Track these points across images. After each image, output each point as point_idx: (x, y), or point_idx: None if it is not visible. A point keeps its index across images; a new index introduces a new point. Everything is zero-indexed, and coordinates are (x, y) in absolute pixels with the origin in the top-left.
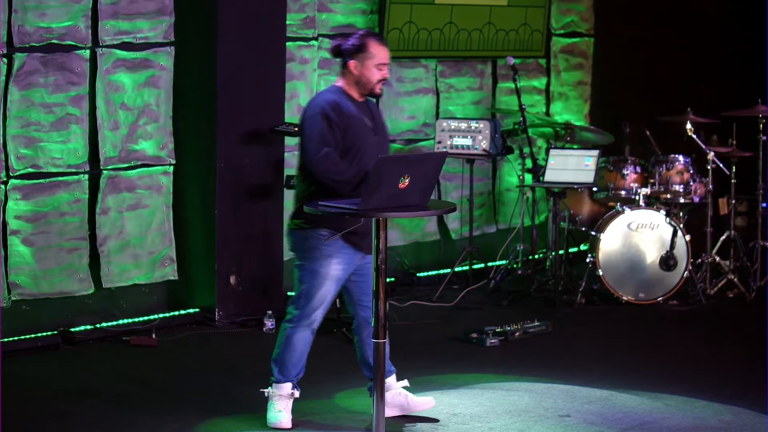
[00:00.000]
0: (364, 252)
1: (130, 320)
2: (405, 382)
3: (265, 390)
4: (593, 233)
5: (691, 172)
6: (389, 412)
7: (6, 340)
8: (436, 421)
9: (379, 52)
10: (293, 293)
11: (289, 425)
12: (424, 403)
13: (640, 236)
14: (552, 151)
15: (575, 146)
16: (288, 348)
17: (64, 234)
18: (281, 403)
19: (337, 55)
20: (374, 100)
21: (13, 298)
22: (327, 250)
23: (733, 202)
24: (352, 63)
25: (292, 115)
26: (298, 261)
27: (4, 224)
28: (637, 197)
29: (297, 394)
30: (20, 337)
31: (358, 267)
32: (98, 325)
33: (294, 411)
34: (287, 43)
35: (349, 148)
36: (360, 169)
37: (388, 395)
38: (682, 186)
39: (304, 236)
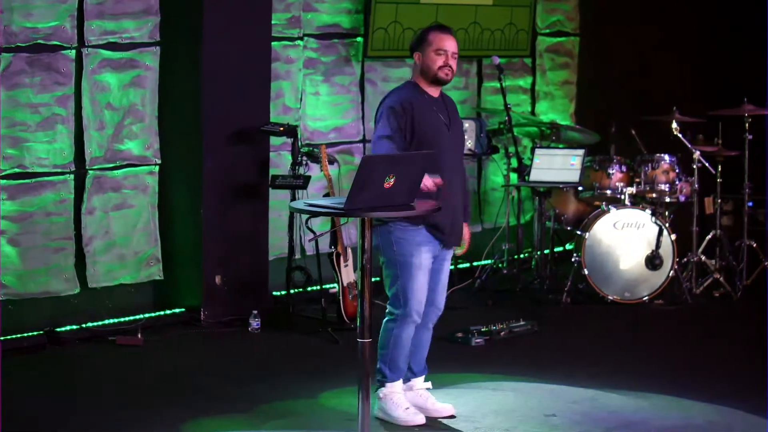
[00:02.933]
0: (445, 246)
1: (116, 320)
2: (428, 384)
3: (380, 391)
4: (579, 233)
5: (677, 171)
6: None
7: None
8: (454, 417)
9: (436, 39)
10: (389, 292)
11: (422, 420)
12: (443, 409)
13: (625, 235)
14: (537, 151)
15: (561, 145)
16: (397, 346)
17: (49, 234)
18: (404, 401)
19: (412, 53)
20: (453, 99)
21: None
22: (416, 239)
23: (719, 201)
24: (416, 55)
25: (277, 114)
26: (385, 257)
27: None
28: (622, 196)
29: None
30: (6, 337)
31: (440, 257)
32: (84, 325)
33: (278, 410)
34: (273, 43)
35: (421, 141)
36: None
37: (409, 394)
38: (667, 185)
39: (388, 230)
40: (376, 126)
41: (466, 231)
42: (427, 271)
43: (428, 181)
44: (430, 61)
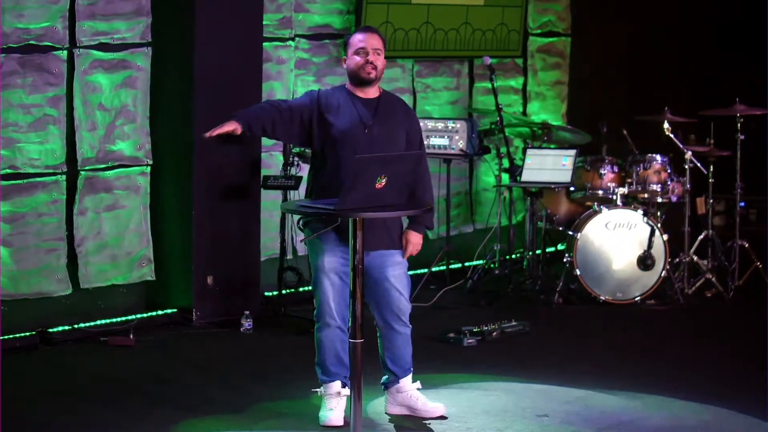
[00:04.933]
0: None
1: (107, 321)
2: (417, 384)
3: (317, 390)
4: (570, 233)
5: (669, 171)
6: (398, 410)
7: None
8: (445, 418)
9: (355, 40)
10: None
11: (339, 422)
12: (434, 409)
13: (617, 236)
14: (529, 151)
15: (552, 146)
16: (320, 349)
17: (41, 235)
18: (331, 402)
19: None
20: (405, 101)
21: None
22: (322, 244)
23: (711, 201)
24: (342, 61)
25: None
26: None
27: None
28: (614, 197)
29: (347, 392)
30: None
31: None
32: (76, 326)
33: (270, 411)
34: (264, 44)
35: (326, 135)
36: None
37: (399, 396)
38: (659, 185)
39: (309, 229)
40: None
41: (410, 237)
42: (338, 275)
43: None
44: (352, 63)
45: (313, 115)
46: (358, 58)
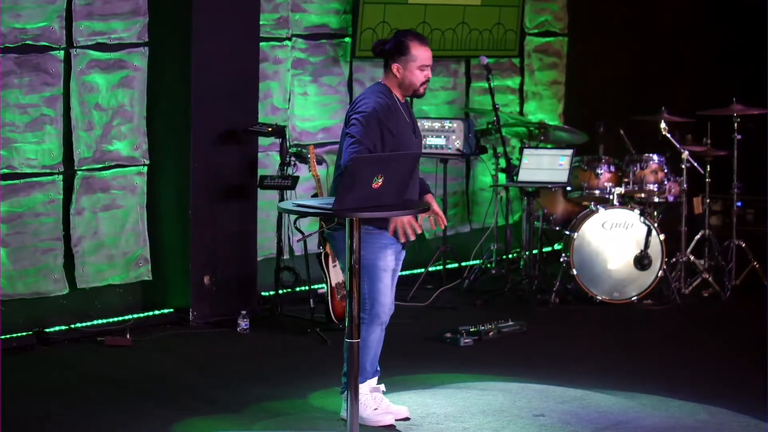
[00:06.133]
0: (403, 248)
1: (104, 320)
2: (382, 387)
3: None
4: (567, 233)
5: (666, 171)
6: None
7: None
8: (408, 419)
9: (420, 54)
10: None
11: (392, 420)
12: (398, 411)
13: (614, 235)
14: (526, 151)
15: (549, 146)
16: (365, 349)
17: (38, 234)
18: (372, 402)
19: (380, 55)
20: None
21: None
22: (381, 242)
23: (708, 201)
24: (394, 66)
25: (265, 115)
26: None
27: None
28: (611, 197)
29: (383, 387)
30: None
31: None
32: (73, 326)
33: (267, 410)
34: (261, 44)
35: (396, 148)
36: None
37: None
38: (656, 185)
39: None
40: (355, 132)
41: (435, 205)
42: (392, 272)
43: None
44: (413, 76)
45: (384, 129)
46: (420, 75)
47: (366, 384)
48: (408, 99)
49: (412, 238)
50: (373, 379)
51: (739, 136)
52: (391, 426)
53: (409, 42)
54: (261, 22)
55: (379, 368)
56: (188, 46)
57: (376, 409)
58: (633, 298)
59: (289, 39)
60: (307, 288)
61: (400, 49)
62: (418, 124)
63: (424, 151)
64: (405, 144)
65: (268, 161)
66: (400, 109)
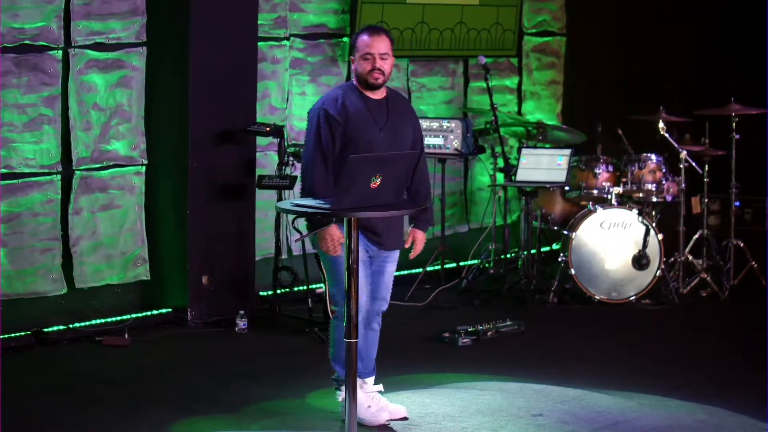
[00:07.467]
0: (384, 248)
1: (103, 320)
2: (380, 387)
3: (338, 393)
4: (565, 232)
5: (664, 171)
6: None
7: None
8: (407, 419)
9: (362, 44)
10: (331, 290)
11: (386, 418)
12: (396, 411)
13: (612, 235)
14: (524, 151)
15: (547, 145)
16: (343, 345)
17: (37, 234)
18: (366, 399)
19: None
20: (406, 97)
21: None
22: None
23: (706, 200)
24: (350, 59)
25: (263, 115)
26: (324, 258)
27: None
28: (609, 196)
29: (381, 387)
30: None
31: (380, 259)
32: (71, 326)
33: (265, 410)
34: (259, 43)
35: (349, 142)
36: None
37: (360, 396)
38: (654, 185)
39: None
40: (308, 129)
41: (418, 236)
42: (363, 265)
43: (336, 233)
44: (359, 67)
45: (337, 130)
46: (365, 64)
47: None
48: (396, 94)
49: (333, 254)
50: (366, 380)
51: (737, 136)
52: (387, 424)
53: (357, 36)
54: (259, 22)
55: (375, 368)
56: (186, 45)
57: (369, 406)
58: (631, 298)
59: (287, 39)
60: (305, 288)
61: (352, 43)
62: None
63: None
64: (363, 136)
65: (266, 161)
66: (360, 102)
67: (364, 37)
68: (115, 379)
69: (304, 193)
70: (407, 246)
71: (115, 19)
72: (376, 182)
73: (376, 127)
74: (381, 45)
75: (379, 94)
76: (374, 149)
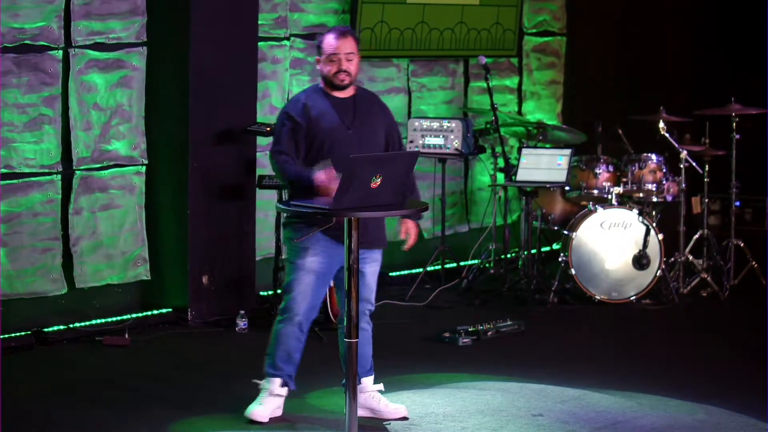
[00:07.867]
0: (363, 247)
1: (103, 320)
2: (380, 386)
3: (259, 381)
4: (566, 232)
5: (664, 170)
6: (360, 412)
7: None
8: (407, 419)
9: (327, 46)
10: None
11: (262, 419)
12: (396, 411)
13: (612, 235)
14: (524, 150)
15: (547, 145)
16: (275, 341)
17: (37, 234)
18: (265, 397)
19: None
20: (376, 95)
21: None
22: (303, 242)
23: (706, 200)
24: (317, 61)
25: (264, 115)
26: (288, 258)
27: None
28: (609, 196)
29: (285, 392)
30: None
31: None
32: (71, 325)
33: None
34: (259, 43)
35: (313, 141)
36: (298, 171)
37: (361, 396)
38: (654, 185)
39: (288, 229)
40: (275, 129)
41: (411, 225)
42: (315, 275)
43: (321, 176)
44: (324, 68)
45: (300, 132)
46: (331, 66)
47: (277, 381)
48: (367, 93)
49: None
50: (365, 379)
51: (737, 136)
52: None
53: (322, 38)
54: (259, 22)
55: (372, 368)
56: (187, 45)
57: (261, 405)
58: (631, 298)
59: (288, 39)
60: None
61: (317, 46)
62: (417, 123)
63: (422, 150)
64: (329, 135)
65: (266, 161)
66: (325, 101)
67: (329, 39)
68: (115, 378)
69: (286, 183)
70: (402, 237)
71: (116, 19)
72: (376, 182)
73: (343, 126)
74: (347, 45)
75: (345, 93)
76: (342, 147)
